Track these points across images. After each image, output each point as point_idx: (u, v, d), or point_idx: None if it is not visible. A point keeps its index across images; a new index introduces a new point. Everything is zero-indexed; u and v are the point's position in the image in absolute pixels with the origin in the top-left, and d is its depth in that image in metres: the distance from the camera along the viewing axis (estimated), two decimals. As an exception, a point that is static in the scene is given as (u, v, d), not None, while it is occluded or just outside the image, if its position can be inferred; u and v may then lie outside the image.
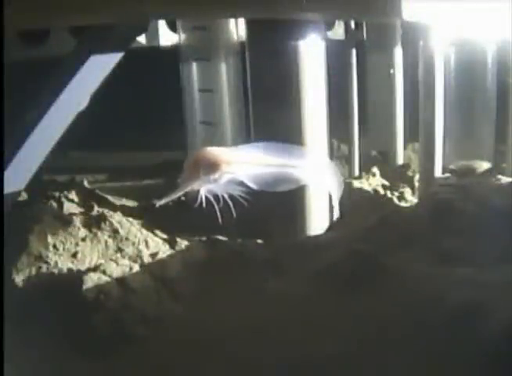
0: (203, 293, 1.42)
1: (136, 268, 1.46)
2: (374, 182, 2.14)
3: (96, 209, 1.68)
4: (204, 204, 1.05)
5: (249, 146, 1.14)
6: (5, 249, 1.29)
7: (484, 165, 2.27)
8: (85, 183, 2.11)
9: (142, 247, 1.56)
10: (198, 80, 2.28)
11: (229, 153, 1.08)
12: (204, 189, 1.05)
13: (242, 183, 1.08)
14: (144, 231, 1.61)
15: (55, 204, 1.79)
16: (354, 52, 2.34)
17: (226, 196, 1.06)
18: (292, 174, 1.15)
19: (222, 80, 2.26)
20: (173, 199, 1.10)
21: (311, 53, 1.69)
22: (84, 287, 1.36)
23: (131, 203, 1.96)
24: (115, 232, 1.57)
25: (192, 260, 1.53)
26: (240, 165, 1.07)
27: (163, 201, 1.09)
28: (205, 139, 2.31)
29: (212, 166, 1.04)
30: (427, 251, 1.37)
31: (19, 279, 1.43)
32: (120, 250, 1.54)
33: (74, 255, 1.50)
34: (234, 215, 1.07)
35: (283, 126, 1.70)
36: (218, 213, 1.06)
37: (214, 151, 1.06)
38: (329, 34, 2.53)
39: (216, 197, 1.05)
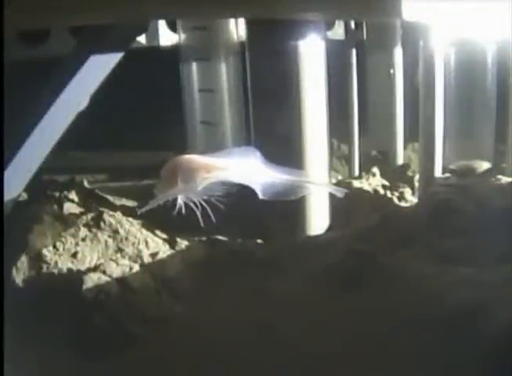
0: (203, 293, 1.42)
1: (136, 268, 1.46)
2: (374, 182, 2.14)
3: (96, 209, 1.68)
4: (183, 211, 1.07)
5: (225, 152, 1.16)
6: (5, 249, 1.29)
7: (484, 165, 2.27)
8: (85, 183, 2.11)
9: (142, 247, 1.56)
10: (198, 80, 2.28)
11: (206, 160, 1.09)
12: (182, 196, 1.06)
13: (219, 188, 1.10)
14: (144, 231, 1.61)
15: (55, 204, 1.79)
16: (354, 52, 2.34)
17: (204, 202, 1.08)
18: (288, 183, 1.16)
19: (222, 80, 2.26)
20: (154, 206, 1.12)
21: (311, 53, 1.69)
22: (84, 287, 1.36)
23: (131, 203, 1.96)
24: (115, 232, 1.57)
25: (192, 260, 1.53)
26: (217, 172, 1.09)
27: (143, 210, 1.10)
28: (205, 139, 2.31)
29: (190, 173, 1.05)
30: (427, 251, 1.37)
31: (19, 279, 1.43)
32: (120, 250, 1.54)
33: (74, 255, 1.50)
34: (214, 219, 1.09)
35: (283, 126, 1.70)
36: (200, 218, 1.08)
37: (191, 158, 1.08)
38: (329, 34, 2.53)
39: (194, 203, 1.07)
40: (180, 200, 1.06)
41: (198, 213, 1.06)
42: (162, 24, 2.56)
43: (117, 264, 1.45)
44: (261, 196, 1.12)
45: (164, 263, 1.50)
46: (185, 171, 1.05)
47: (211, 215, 1.07)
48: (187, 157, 1.08)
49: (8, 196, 1.46)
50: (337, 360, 1.12)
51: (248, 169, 1.13)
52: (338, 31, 2.60)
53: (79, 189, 1.94)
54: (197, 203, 1.06)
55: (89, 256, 1.51)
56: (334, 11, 1.47)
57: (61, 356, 1.27)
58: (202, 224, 1.09)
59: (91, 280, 1.37)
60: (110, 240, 1.56)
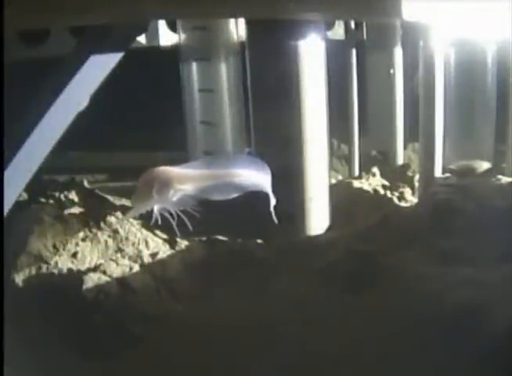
0: (203, 292, 1.42)
1: (136, 268, 1.46)
2: (374, 182, 2.14)
3: (96, 209, 1.68)
4: (160, 222, 1.09)
5: (200, 161, 1.18)
6: (6, 249, 1.29)
7: (484, 165, 2.27)
8: (85, 183, 2.11)
9: (142, 247, 1.56)
10: (198, 80, 2.27)
11: (180, 171, 1.11)
12: (158, 207, 1.09)
13: (193, 198, 1.12)
14: (144, 231, 1.61)
15: (55, 204, 1.79)
16: (354, 52, 2.34)
17: (179, 212, 1.10)
18: (238, 182, 1.18)
19: (222, 80, 2.26)
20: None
21: (311, 53, 1.69)
22: (84, 287, 1.36)
23: (131, 203, 1.95)
24: (115, 232, 1.57)
25: (192, 260, 1.53)
26: (192, 182, 1.11)
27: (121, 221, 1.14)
28: (205, 139, 2.31)
29: (164, 185, 1.08)
30: (427, 251, 1.37)
31: (19, 279, 1.43)
32: (120, 250, 1.54)
33: (74, 255, 1.50)
34: (191, 228, 1.11)
35: (283, 126, 1.70)
36: (175, 228, 1.11)
37: (166, 171, 1.10)
38: (329, 34, 2.53)
39: (170, 213, 1.10)
40: (156, 211, 1.09)
41: (174, 223, 1.09)
42: (162, 24, 2.56)
43: (117, 264, 1.45)
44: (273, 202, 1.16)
45: (164, 263, 1.50)
46: (161, 182, 1.08)
47: (188, 224, 1.09)
48: (162, 168, 1.11)
49: (8, 196, 1.46)
50: (337, 360, 1.12)
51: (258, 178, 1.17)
52: (338, 31, 2.60)
53: (79, 189, 1.93)
54: (173, 213, 1.09)
55: (89, 256, 1.51)
56: (334, 11, 1.47)
57: (61, 356, 1.27)
58: (178, 234, 1.12)
59: (91, 280, 1.37)
60: (110, 240, 1.56)
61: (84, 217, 1.62)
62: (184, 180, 1.10)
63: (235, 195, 1.17)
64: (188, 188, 1.11)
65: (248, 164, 1.20)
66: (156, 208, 1.09)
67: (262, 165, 1.21)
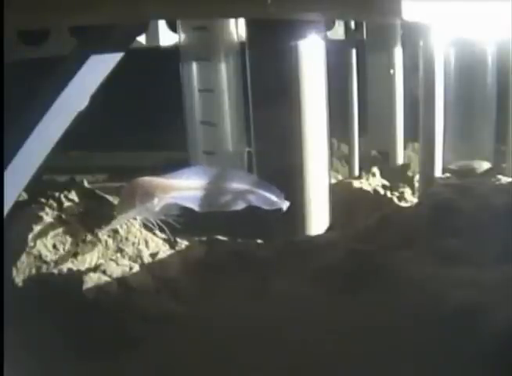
0: (203, 293, 1.42)
1: (136, 268, 1.46)
2: (374, 182, 2.14)
3: (96, 209, 1.68)
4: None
5: (183, 171, 1.19)
6: (6, 249, 1.29)
7: (484, 165, 2.27)
8: (85, 183, 2.10)
9: (142, 247, 1.56)
10: (198, 80, 2.28)
11: (163, 181, 1.13)
12: (141, 216, 1.11)
13: (176, 208, 1.13)
14: (144, 231, 1.61)
15: (55, 204, 1.79)
16: (354, 52, 2.35)
17: (160, 222, 1.12)
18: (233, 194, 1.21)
19: (222, 80, 2.26)
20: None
21: (311, 53, 1.69)
22: (84, 287, 1.36)
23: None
24: (115, 232, 1.57)
25: (192, 260, 1.53)
26: (174, 192, 1.13)
27: (105, 230, 1.18)
28: (205, 139, 2.31)
29: (147, 195, 1.09)
30: (427, 251, 1.37)
31: (19, 279, 1.43)
32: (120, 250, 1.54)
33: (74, 255, 1.50)
34: (172, 238, 1.14)
35: (283, 126, 1.70)
36: (159, 235, 1.14)
37: (149, 181, 1.12)
38: (329, 34, 2.53)
39: (152, 223, 1.12)
40: (139, 220, 1.11)
41: (156, 230, 1.11)
42: (162, 24, 2.57)
43: (117, 264, 1.45)
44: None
45: (164, 263, 1.50)
46: (143, 192, 1.09)
47: (169, 234, 1.11)
48: (145, 178, 1.12)
49: (8, 196, 1.46)
50: (337, 360, 1.12)
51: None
52: (338, 31, 2.60)
53: (79, 189, 1.93)
54: (155, 223, 1.11)
55: (89, 256, 1.51)
56: (334, 11, 1.47)
57: (61, 356, 1.27)
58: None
59: (91, 280, 1.37)
60: (110, 240, 1.55)
61: (85, 217, 1.62)
62: (167, 190, 1.12)
63: (237, 208, 1.18)
64: (172, 198, 1.12)
65: (267, 189, 1.22)
66: (139, 218, 1.11)
67: (280, 195, 1.23)
